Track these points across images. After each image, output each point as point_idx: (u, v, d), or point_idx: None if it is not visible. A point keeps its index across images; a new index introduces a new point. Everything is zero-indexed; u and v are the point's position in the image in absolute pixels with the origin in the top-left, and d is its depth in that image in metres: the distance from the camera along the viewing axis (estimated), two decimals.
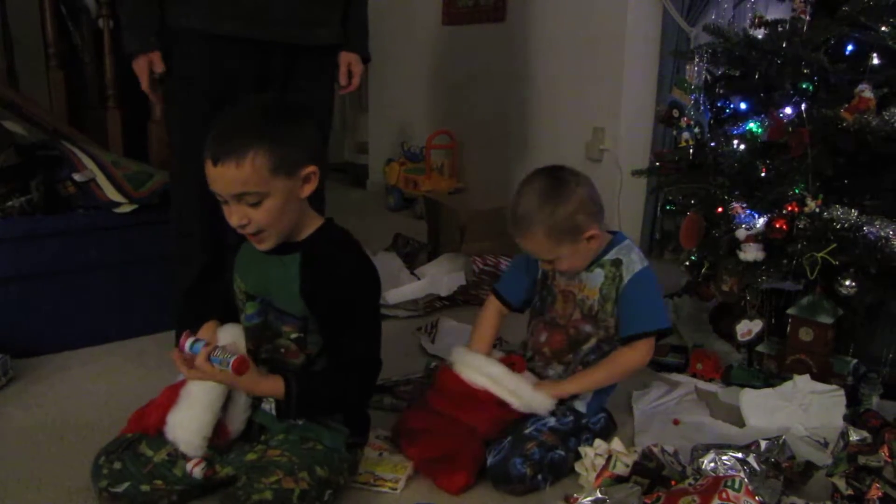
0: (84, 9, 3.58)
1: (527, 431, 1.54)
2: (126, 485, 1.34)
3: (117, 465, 1.36)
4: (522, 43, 3.73)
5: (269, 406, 1.42)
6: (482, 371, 1.58)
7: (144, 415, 1.46)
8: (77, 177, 2.16)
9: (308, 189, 1.34)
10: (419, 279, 2.79)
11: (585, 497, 1.31)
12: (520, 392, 1.56)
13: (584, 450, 1.55)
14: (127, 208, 2.15)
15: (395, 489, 1.51)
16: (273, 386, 1.33)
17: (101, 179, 2.18)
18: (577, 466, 1.55)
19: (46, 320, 2.14)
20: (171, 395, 1.43)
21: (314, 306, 1.37)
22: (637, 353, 1.61)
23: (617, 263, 1.61)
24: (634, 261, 1.61)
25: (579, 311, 1.64)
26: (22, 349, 2.07)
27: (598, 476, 1.44)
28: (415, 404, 1.69)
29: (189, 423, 1.36)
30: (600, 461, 1.48)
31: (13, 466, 1.45)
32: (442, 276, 2.73)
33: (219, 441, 1.39)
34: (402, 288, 2.66)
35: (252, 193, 1.27)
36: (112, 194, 2.16)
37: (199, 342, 1.28)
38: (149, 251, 2.22)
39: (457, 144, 4.25)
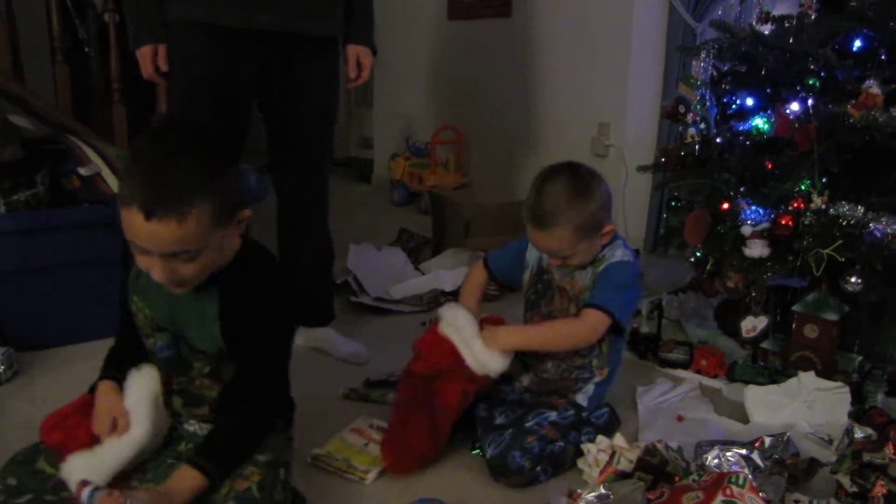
0: (89, 3, 3.60)
1: (527, 425, 1.55)
2: (27, 496, 1.23)
3: (12, 482, 1.25)
4: (528, 38, 3.72)
5: (193, 427, 1.35)
6: (451, 323, 1.58)
7: (68, 426, 1.33)
8: (82, 171, 2.17)
9: (241, 231, 1.23)
10: (423, 274, 2.79)
11: (589, 493, 1.31)
12: (472, 346, 1.54)
13: (588, 446, 1.55)
14: None
15: (364, 479, 1.52)
16: (191, 486, 1.18)
17: (107, 173, 2.18)
18: (581, 462, 1.56)
19: (52, 314, 2.14)
20: (86, 403, 1.34)
21: (232, 341, 1.27)
22: (580, 322, 1.58)
23: (602, 259, 1.63)
24: (616, 255, 1.62)
25: (574, 307, 1.65)
26: (27, 342, 2.07)
27: (601, 472, 1.44)
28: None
29: (85, 472, 1.20)
30: (604, 457, 1.48)
31: None
32: (446, 271, 2.73)
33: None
34: (406, 283, 2.67)
35: (189, 251, 1.14)
36: (117, 188, 2.16)
37: (98, 492, 1.12)
38: None
39: (462, 139, 4.25)
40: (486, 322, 1.63)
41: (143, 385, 1.30)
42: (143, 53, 1.89)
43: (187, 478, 1.20)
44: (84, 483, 1.15)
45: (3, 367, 1.92)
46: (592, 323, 1.57)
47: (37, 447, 1.31)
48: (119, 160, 2.22)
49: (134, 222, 1.10)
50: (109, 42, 2.99)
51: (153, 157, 1.13)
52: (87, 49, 3.90)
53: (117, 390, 1.31)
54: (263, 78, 1.96)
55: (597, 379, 1.67)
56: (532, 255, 1.75)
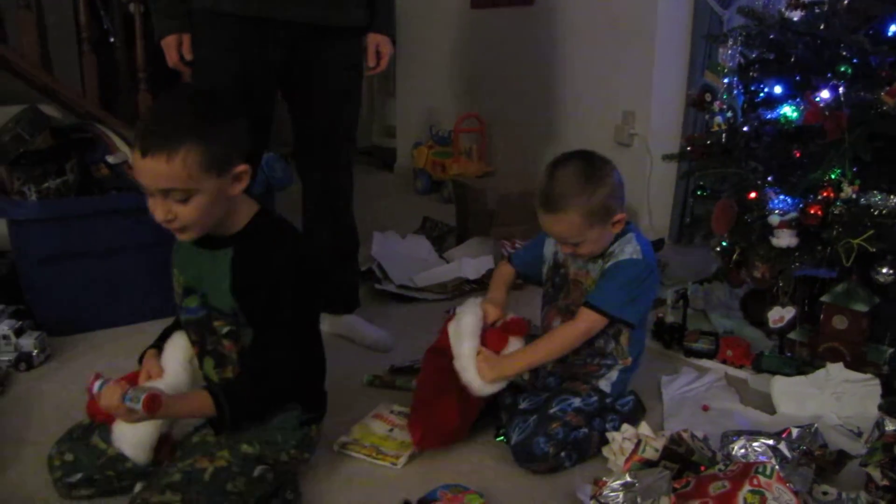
0: None
1: (551, 411, 1.56)
2: (79, 475, 1.36)
3: (69, 457, 1.36)
4: (551, 26, 3.69)
5: None
6: (456, 332, 1.58)
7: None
8: (110, 159, 2.19)
9: (238, 188, 1.28)
10: (447, 262, 2.79)
11: (614, 481, 1.31)
12: (462, 368, 1.54)
13: (613, 434, 1.55)
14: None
15: (396, 464, 1.54)
16: (201, 404, 1.28)
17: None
18: (605, 451, 1.56)
19: (82, 299, 2.18)
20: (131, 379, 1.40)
21: (243, 302, 1.31)
22: (574, 323, 1.59)
23: (612, 254, 1.62)
24: (625, 251, 1.60)
25: (582, 299, 1.65)
26: (58, 327, 2.11)
27: (627, 460, 1.44)
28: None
29: (132, 437, 1.33)
30: (629, 445, 1.48)
31: (51, 441, 1.47)
32: (470, 260, 2.73)
33: (164, 453, 1.38)
34: (430, 271, 2.67)
35: (180, 190, 1.21)
36: (138, 155, 2.19)
37: (106, 382, 1.22)
38: None
39: (485, 128, 4.24)
40: (508, 328, 1.62)
41: (175, 346, 1.42)
42: (168, 43, 1.90)
43: (199, 397, 1.29)
44: (97, 376, 1.25)
45: (36, 351, 1.95)
46: (586, 323, 1.58)
47: (91, 423, 1.41)
48: None
49: (135, 162, 1.22)
50: (135, 32, 3.02)
51: (157, 106, 1.26)
52: (112, 39, 3.94)
53: (157, 355, 1.43)
54: (288, 67, 1.96)
55: (620, 366, 1.67)
56: (549, 249, 1.75)
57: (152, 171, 1.19)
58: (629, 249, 1.60)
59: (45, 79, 2.87)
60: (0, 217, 2.16)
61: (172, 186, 1.21)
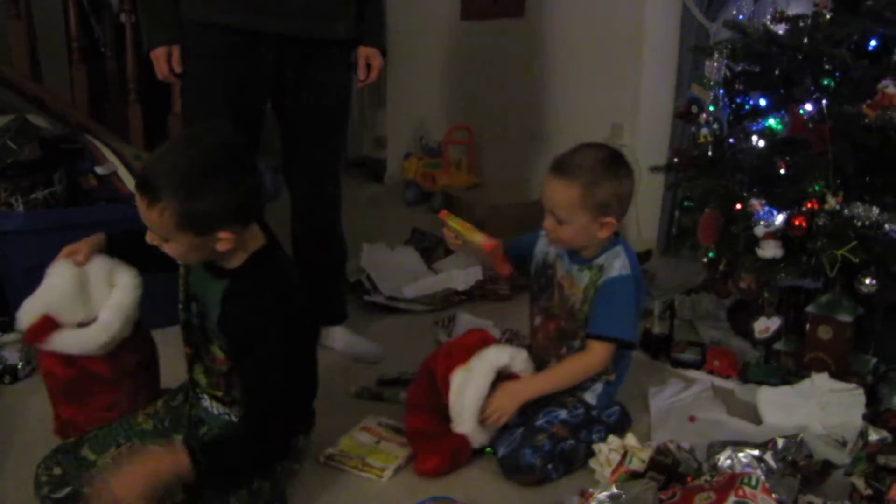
0: (106, 4, 3.62)
1: (538, 423, 1.56)
2: (67, 489, 1.32)
3: (57, 471, 1.34)
4: (541, 38, 3.72)
5: (206, 403, 1.43)
6: (470, 377, 1.55)
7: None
8: (99, 170, 2.19)
9: (223, 246, 1.27)
10: (436, 273, 2.79)
11: (601, 492, 1.31)
12: (459, 420, 1.54)
13: (600, 446, 1.55)
14: None
15: (381, 477, 1.53)
16: (176, 459, 1.21)
17: (123, 172, 2.21)
18: (592, 462, 1.56)
19: None
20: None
21: (228, 336, 1.33)
22: (589, 357, 1.60)
23: (601, 268, 1.61)
24: (615, 267, 1.60)
25: (564, 307, 1.66)
26: None
27: (613, 471, 1.44)
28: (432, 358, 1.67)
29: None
30: (615, 457, 1.49)
31: (36, 454, 1.46)
32: (459, 271, 2.74)
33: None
34: (419, 282, 2.67)
35: (158, 233, 1.26)
36: (133, 187, 2.18)
37: None
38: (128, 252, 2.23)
39: (475, 140, 4.25)
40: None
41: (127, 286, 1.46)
42: (157, 55, 1.90)
43: (177, 450, 1.22)
44: None
45: (21, 364, 1.94)
46: (601, 355, 1.60)
47: (80, 437, 1.39)
48: (135, 159, 2.24)
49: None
50: (125, 42, 3.01)
51: (163, 148, 1.27)
52: (103, 49, 3.93)
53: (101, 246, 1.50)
54: (277, 79, 1.97)
55: (604, 379, 1.67)
56: (540, 248, 1.76)
57: (139, 207, 1.24)
58: (618, 264, 1.60)
59: (34, 89, 2.86)
60: None
61: (151, 227, 1.26)
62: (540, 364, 1.66)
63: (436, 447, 1.56)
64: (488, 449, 1.61)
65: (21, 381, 1.94)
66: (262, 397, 1.30)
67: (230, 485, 1.31)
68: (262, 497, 1.34)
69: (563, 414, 1.59)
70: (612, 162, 1.58)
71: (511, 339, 1.81)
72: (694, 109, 2.26)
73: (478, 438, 1.55)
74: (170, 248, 1.27)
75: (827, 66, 1.90)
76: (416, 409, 1.63)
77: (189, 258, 1.32)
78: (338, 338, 2.18)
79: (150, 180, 1.22)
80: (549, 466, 1.53)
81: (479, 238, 1.69)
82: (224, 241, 1.27)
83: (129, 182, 2.19)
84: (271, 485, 1.37)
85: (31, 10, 2.94)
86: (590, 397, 1.66)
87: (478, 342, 1.61)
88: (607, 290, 1.59)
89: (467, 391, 1.53)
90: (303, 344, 1.42)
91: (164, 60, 1.90)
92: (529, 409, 1.61)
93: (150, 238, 1.28)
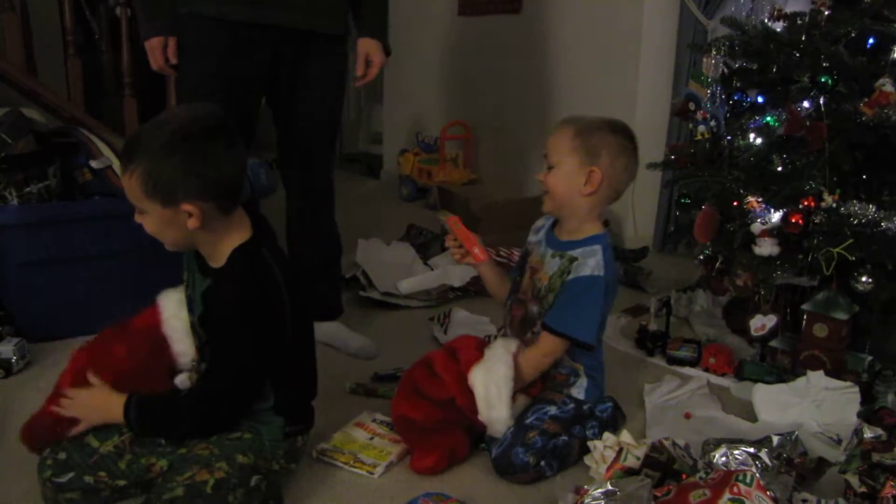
0: None
1: (528, 421, 1.56)
2: (70, 475, 1.34)
3: (62, 456, 1.35)
4: (538, 34, 3.71)
5: (180, 379, 1.47)
6: (492, 367, 1.53)
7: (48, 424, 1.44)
8: (94, 164, 2.18)
9: (193, 223, 1.27)
10: (432, 269, 2.79)
11: (596, 489, 1.31)
12: (492, 408, 1.51)
13: (595, 443, 1.55)
14: None
15: (373, 473, 1.53)
16: (110, 401, 1.34)
17: (118, 166, 2.19)
18: (587, 459, 1.56)
19: (62, 305, 2.15)
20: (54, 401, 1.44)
21: (209, 332, 1.38)
22: (537, 350, 1.60)
23: (573, 260, 1.59)
24: (588, 265, 1.57)
25: (532, 290, 1.66)
26: (38, 334, 2.09)
27: (608, 468, 1.44)
28: (431, 354, 1.65)
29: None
30: (610, 454, 1.49)
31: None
32: (455, 267, 2.73)
33: None
34: (415, 278, 2.66)
35: (136, 205, 1.29)
36: None
37: None
38: None
39: (471, 135, 4.25)
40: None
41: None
42: (153, 45, 1.89)
43: (113, 397, 1.33)
44: None
45: (15, 358, 1.93)
46: (549, 348, 1.59)
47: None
48: None
49: None
50: (121, 36, 3.00)
51: (146, 123, 1.31)
52: (98, 42, 3.92)
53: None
54: (272, 73, 1.96)
55: (580, 372, 1.66)
56: (531, 238, 1.76)
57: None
58: (592, 262, 1.57)
59: (29, 82, 2.85)
60: None
61: (129, 198, 1.29)
62: None
63: (434, 444, 1.55)
64: (483, 445, 1.61)
65: (14, 376, 1.93)
66: (217, 383, 1.33)
67: (154, 435, 1.37)
68: (258, 495, 1.34)
69: (552, 410, 1.59)
70: (618, 128, 1.62)
71: (507, 334, 1.80)
72: (691, 106, 2.26)
73: (507, 422, 1.53)
74: (146, 224, 1.30)
75: (824, 64, 1.90)
76: (406, 394, 1.59)
77: (164, 237, 1.32)
78: (333, 333, 2.17)
79: (127, 147, 1.29)
80: (543, 463, 1.52)
81: (476, 250, 1.74)
82: (192, 217, 1.26)
83: None
84: (268, 483, 1.37)
85: (25, 3, 2.93)
86: (577, 392, 1.65)
87: (478, 342, 1.61)
88: (575, 288, 1.57)
89: (495, 378, 1.51)
90: (299, 344, 1.42)
91: (160, 51, 1.89)
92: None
93: (136, 218, 1.31)
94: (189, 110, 1.33)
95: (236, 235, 1.34)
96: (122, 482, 1.36)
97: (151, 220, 1.29)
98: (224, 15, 1.85)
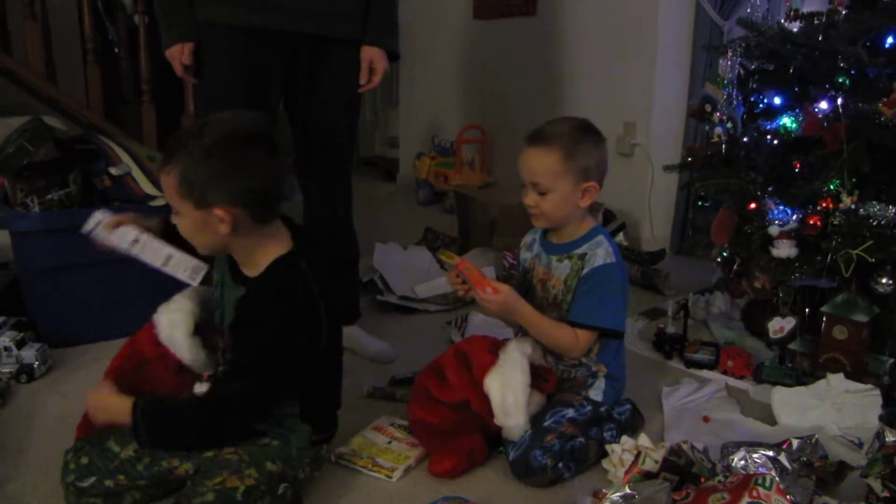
0: (120, 5, 3.65)
1: (546, 424, 1.55)
2: (92, 479, 1.35)
3: (84, 461, 1.37)
4: (553, 37, 3.71)
5: (200, 390, 1.46)
6: (508, 372, 1.51)
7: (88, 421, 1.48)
8: (113, 170, 2.20)
9: (224, 229, 1.28)
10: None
11: (614, 492, 1.31)
12: (508, 414, 1.49)
13: (612, 446, 1.55)
14: (161, 202, 2.18)
15: (391, 477, 1.53)
16: (118, 403, 1.33)
17: (137, 173, 2.22)
18: (605, 463, 1.55)
19: (83, 311, 2.18)
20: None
21: (236, 340, 1.37)
22: (574, 339, 1.59)
23: (583, 257, 1.61)
24: (599, 255, 1.59)
25: (546, 300, 1.66)
26: (60, 339, 2.12)
27: (626, 472, 1.44)
28: (441, 358, 1.64)
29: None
30: (629, 457, 1.48)
31: (52, 453, 1.48)
32: None
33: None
34: (431, 282, 2.67)
35: (171, 204, 1.31)
36: (147, 188, 2.20)
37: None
38: (183, 244, 2.25)
39: (487, 139, 4.25)
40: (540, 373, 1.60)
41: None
42: (173, 53, 1.92)
43: (123, 400, 1.32)
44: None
45: (37, 363, 1.95)
46: (579, 339, 1.59)
47: (108, 430, 1.41)
48: (149, 160, 2.26)
49: None
50: (139, 43, 3.03)
51: (182, 128, 1.35)
52: (117, 50, 3.96)
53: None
54: (289, 78, 1.98)
55: (601, 374, 1.66)
56: (525, 255, 1.76)
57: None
58: (602, 252, 1.59)
59: (49, 90, 2.89)
60: (3, 229, 2.17)
61: (166, 197, 1.31)
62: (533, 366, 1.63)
63: (452, 448, 1.55)
64: (501, 448, 1.61)
65: (37, 381, 1.95)
66: (232, 389, 1.33)
67: (156, 446, 1.35)
68: (286, 501, 1.35)
69: (570, 412, 1.59)
70: (586, 128, 1.61)
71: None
72: (707, 108, 2.25)
73: (524, 427, 1.52)
74: (180, 226, 1.32)
75: (842, 64, 1.88)
76: (420, 399, 1.59)
77: (196, 240, 1.33)
78: (351, 337, 2.18)
79: (169, 146, 1.30)
80: (560, 465, 1.52)
81: (489, 290, 1.56)
82: (223, 222, 1.27)
83: (143, 182, 2.20)
84: (294, 492, 1.38)
85: (46, 12, 2.97)
86: (595, 394, 1.66)
87: (490, 343, 1.60)
88: (593, 279, 1.58)
89: (512, 385, 1.49)
90: (329, 354, 1.43)
91: (179, 59, 1.92)
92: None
93: (172, 217, 1.33)
94: (234, 117, 1.34)
95: (273, 246, 1.35)
96: (142, 482, 1.37)
97: (185, 221, 1.31)
98: (240, 22, 1.87)
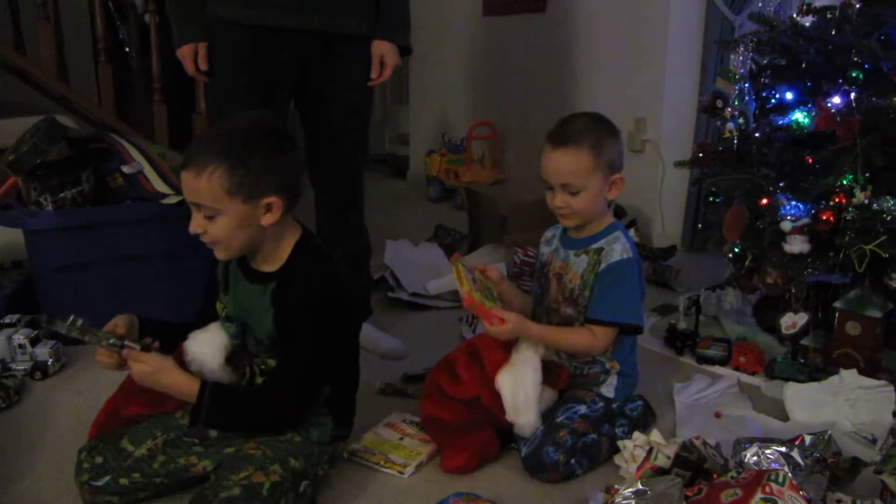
0: (131, 4, 3.66)
1: (558, 420, 1.55)
2: (106, 478, 1.36)
3: (98, 460, 1.38)
4: (563, 33, 3.70)
5: None
6: (520, 371, 1.52)
7: (102, 419, 1.50)
8: (125, 168, 2.21)
9: (270, 218, 1.32)
10: None
11: (626, 488, 1.31)
12: (519, 413, 1.50)
13: (624, 442, 1.55)
14: (173, 199, 2.19)
15: (403, 473, 1.54)
16: (189, 388, 1.31)
17: (149, 171, 2.23)
18: (617, 458, 1.55)
19: (97, 308, 2.17)
20: (118, 396, 1.50)
21: (282, 332, 1.37)
22: (593, 338, 1.59)
23: (599, 252, 1.61)
24: (616, 250, 1.60)
25: (562, 295, 1.66)
26: (72, 337, 2.12)
27: (638, 468, 1.43)
28: (452, 354, 1.65)
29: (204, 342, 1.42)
30: (641, 453, 1.48)
31: (67, 449, 1.50)
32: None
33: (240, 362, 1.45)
34: (443, 279, 2.67)
35: (206, 206, 1.28)
36: (159, 185, 2.21)
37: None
38: (194, 241, 2.26)
39: (498, 135, 4.25)
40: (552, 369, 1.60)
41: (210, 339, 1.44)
42: (184, 53, 1.93)
43: (187, 381, 1.32)
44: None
45: (51, 360, 1.97)
46: (598, 337, 1.60)
47: (123, 429, 1.43)
48: (160, 158, 2.27)
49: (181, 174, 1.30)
50: (150, 42, 3.05)
51: (208, 128, 1.36)
52: (127, 49, 3.98)
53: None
54: (300, 75, 1.98)
55: (614, 371, 1.66)
56: (544, 250, 1.76)
57: (185, 183, 1.29)
58: (619, 248, 1.60)
59: (61, 89, 2.91)
60: (17, 227, 2.19)
61: (199, 202, 1.29)
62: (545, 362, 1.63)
63: (463, 444, 1.56)
64: (513, 444, 1.61)
65: (51, 378, 1.97)
66: (293, 378, 1.35)
67: (220, 427, 1.38)
68: (304, 501, 1.36)
69: (582, 409, 1.59)
70: (603, 120, 1.62)
71: None
72: (719, 104, 2.24)
73: (535, 425, 1.52)
74: (216, 228, 1.30)
75: (856, 59, 1.87)
76: (432, 395, 1.60)
77: (234, 240, 1.32)
78: (363, 334, 2.18)
79: (197, 150, 1.29)
80: (573, 462, 1.52)
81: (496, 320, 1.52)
82: (272, 210, 1.31)
83: (155, 180, 2.21)
84: (314, 489, 1.40)
85: (58, 12, 2.98)
86: (607, 391, 1.66)
87: (501, 340, 1.60)
88: (610, 275, 1.59)
89: (523, 384, 1.50)
90: (351, 342, 1.47)
91: (191, 59, 1.93)
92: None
93: (194, 226, 1.31)
94: (250, 117, 1.38)
95: (291, 237, 1.39)
96: (158, 479, 1.38)
97: (226, 220, 1.29)
98: (249, 20, 1.87)
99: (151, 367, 1.31)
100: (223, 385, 1.38)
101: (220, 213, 1.28)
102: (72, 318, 1.28)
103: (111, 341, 1.32)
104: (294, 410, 1.37)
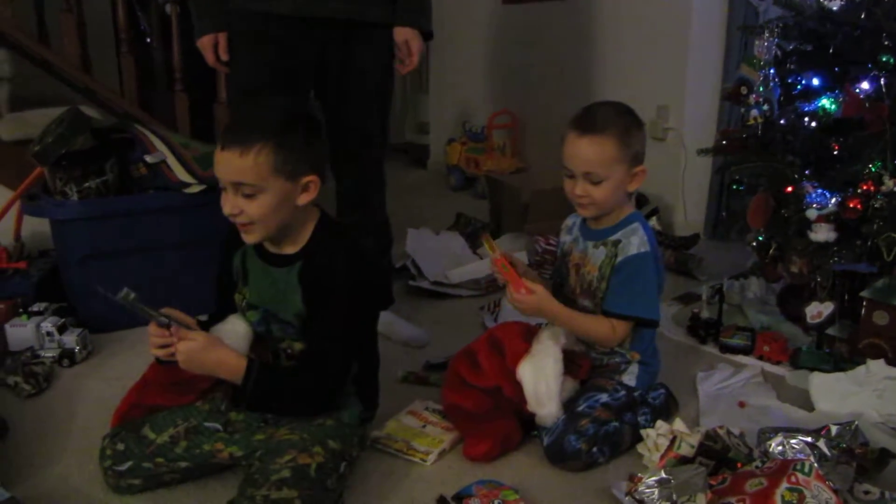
0: None
1: (579, 409, 1.55)
2: (129, 464, 1.39)
3: (120, 447, 1.41)
4: (583, 20, 3.67)
5: None
6: (541, 361, 1.52)
7: (123, 409, 1.52)
8: (149, 158, 2.23)
9: (306, 197, 1.36)
10: (481, 258, 2.79)
11: (650, 477, 1.30)
12: (541, 403, 1.50)
13: (647, 431, 1.54)
14: (196, 188, 2.21)
15: (425, 461, 1.55)
16: (236, 367, 1.33)
17: (172, 161, 2.24)
18: (640, 447, 1.55)
19: None
20: (139, 388, 1.53)
21: (312, 310, 1.39)
22: (609, 330, 1.59)
23: (616, 244, 1.60)
24: (633, 244, 1.58)
25: (580, 286, 1.65)
26: (99, 324, 2.16)
27: (662, 456, 1.43)
28: (474, 344, 1.64)
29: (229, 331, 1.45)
30: (664, 442, 1.47)
31: (95, 436, 1.52)
32: None
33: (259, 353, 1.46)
34: (464, 267, 2.67)
35: (248, 185, 1.30)
36: (182, 175, 2.22)
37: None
38: (217, 230, 2.27)
39: (518, 124, 4.23)
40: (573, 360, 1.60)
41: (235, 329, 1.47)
42: (204, 43, 1.93)
43: (235, 357, 1.34)
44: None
45: (78, 348, 2.00)
46: (615, 329, 1.59)
47: (145, 417, 1.46)
48: (183, 147, 2.28)
49: (216, 155, 1.32)
50: (171, 32, 3.06)
51: (243, 111, 1.45)
52: (149, 39, 4.00)
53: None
54: (320, 64, 1.98)
55: (634, 361, 1.66)
56: (564, 238, 1.76)
57: (227, 162, 1.30)
58: (636, 241, 1.59)
59: (84, 80, 2.93)
60: (43, 217, 2.22)
61: (242, 180, 1.30)
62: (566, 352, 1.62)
63: (486, 432, 1.56)
64: (535, 432, 1.61)
65: (78, 365, 2.00)
66: (328, 347, 1.37)
67: (262, 409, 1.42)
68: (343, 483, 1.39)
69: (604, 397, 1.59)
70: (629, 111, 1.60)
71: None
72: (743, 90, 2.21)
73: (557, 416, 1.52)
74: (254, 207, 1.31)
75: (886, 42, 1.83)
76: (454, 384, 1.60)
77: (271, 220, 1.34)
78: (384, 323, 2.18)
79: (239, 130, 1.32)
80: (595, 450, 1.52)
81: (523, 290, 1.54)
82: (309, 190, 1.35)
83: (178, 170, 2.23)
84: (350, 471, 1.42)
85: (81, 4, 3.00)
86: (628, 379, 1.65)
87: (523, 329, 1.60)
88: (627, 269, 1.58)
89: (545, 374, 1.50)
90: (375, 312, 1.51)
91: (211, 49, 1.93)
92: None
93: (230, 207, 1.32)
94: (276, 102, 1.50)
95: (312, 216, 1.43)
96: (184, 464, 1.40)
97: (268, 198, 1.31)
98: (270, 9, 1.87)
99: (201, 344, 1.32)
100: (268, 364, 1.41)
101: (263, 191, 1.30)
102: (125, 290, 1.30)
103: (161, 318, 1.34)
104: (333, 382, 1.39)
